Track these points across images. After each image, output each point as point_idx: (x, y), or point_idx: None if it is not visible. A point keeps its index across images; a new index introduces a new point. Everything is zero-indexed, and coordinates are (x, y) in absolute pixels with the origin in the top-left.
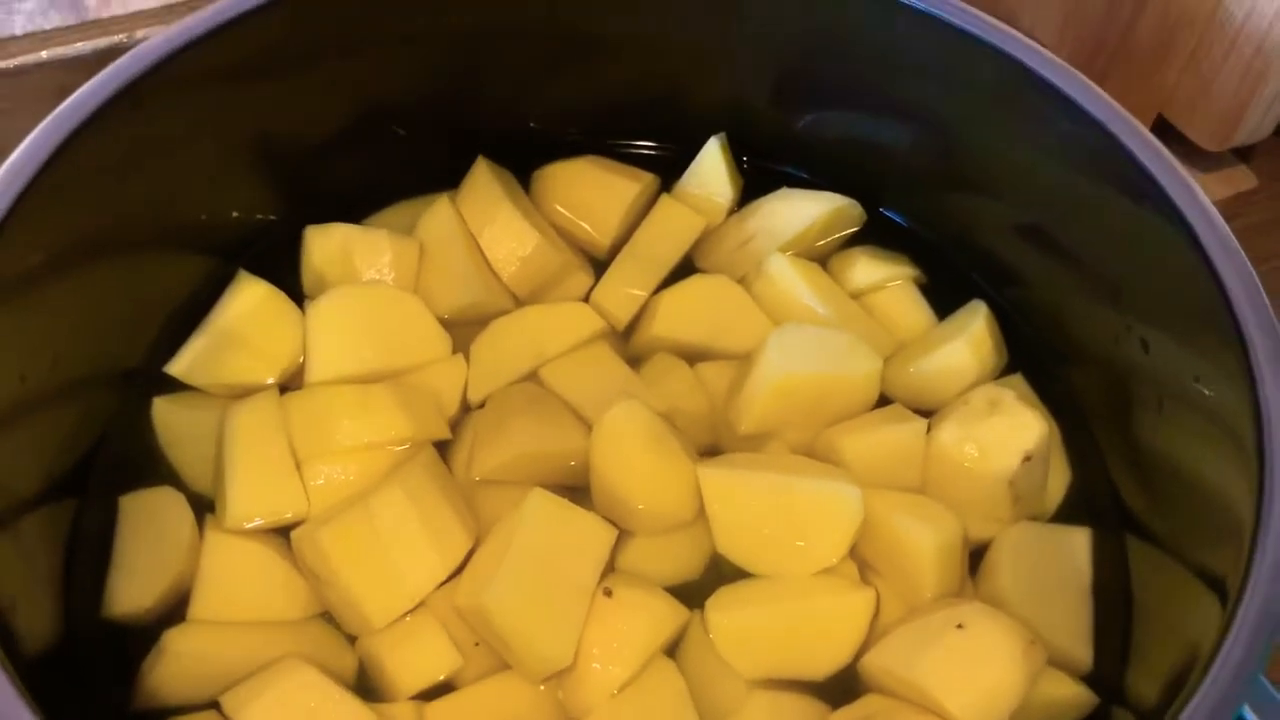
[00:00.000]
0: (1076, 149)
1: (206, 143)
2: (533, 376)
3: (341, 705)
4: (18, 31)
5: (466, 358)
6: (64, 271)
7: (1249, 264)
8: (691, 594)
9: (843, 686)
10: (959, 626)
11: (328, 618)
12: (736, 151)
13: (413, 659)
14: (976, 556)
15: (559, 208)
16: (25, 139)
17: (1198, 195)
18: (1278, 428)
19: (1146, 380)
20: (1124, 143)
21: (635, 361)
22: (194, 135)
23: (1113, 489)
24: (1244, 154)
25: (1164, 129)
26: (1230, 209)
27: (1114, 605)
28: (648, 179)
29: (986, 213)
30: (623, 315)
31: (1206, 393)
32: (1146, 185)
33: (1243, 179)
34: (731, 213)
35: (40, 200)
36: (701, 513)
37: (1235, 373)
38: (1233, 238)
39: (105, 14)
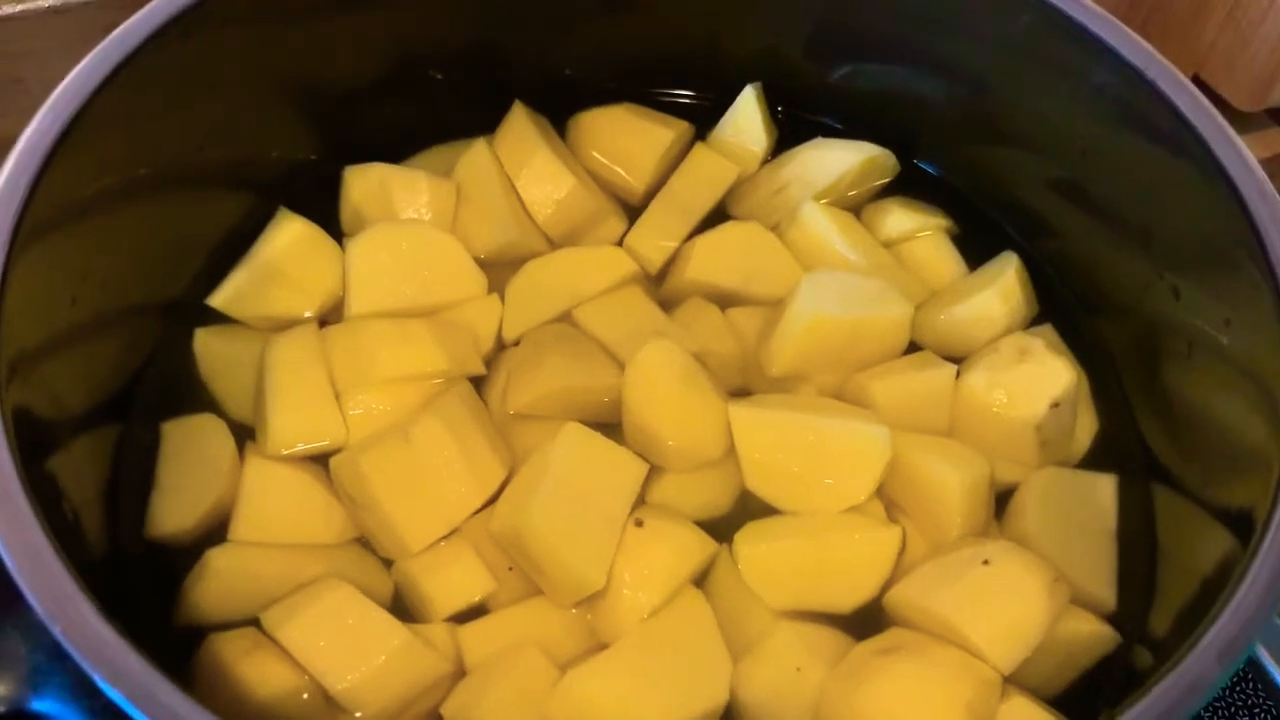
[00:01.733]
0: (1113, 97)
1: (251, 81)
2: (566, 317)
3: (378, 623)
4: None
5: (502, 297)
6: (113, 201)
7: None
8: (720, 529)
9: (868, 620)
10: (985, 562)
11: (364, 543)
12: (771, 101)
13: (447, 582)
14: (1002, 501)
15: (594, 154)
16: (75, 67)
17: (1234, 140)
18: None
19: (1176, 328)
20: (1161, 88)
21: (668, 305)
22: (239, 73)
23: (1139, 437)
24: (1279, 116)
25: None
26: (1265, 170)
27: (1139, 550)
28: (682, 126)
29: (1020, 164)
30: (656, 259)
31: (1236, 336)
32: (1182, 130)
33: (1277, 140)
34: (765, 162)
35: (92, 128)
36: (731, 450)
37: (1267, 313)
38: (1268, 182)
39: None
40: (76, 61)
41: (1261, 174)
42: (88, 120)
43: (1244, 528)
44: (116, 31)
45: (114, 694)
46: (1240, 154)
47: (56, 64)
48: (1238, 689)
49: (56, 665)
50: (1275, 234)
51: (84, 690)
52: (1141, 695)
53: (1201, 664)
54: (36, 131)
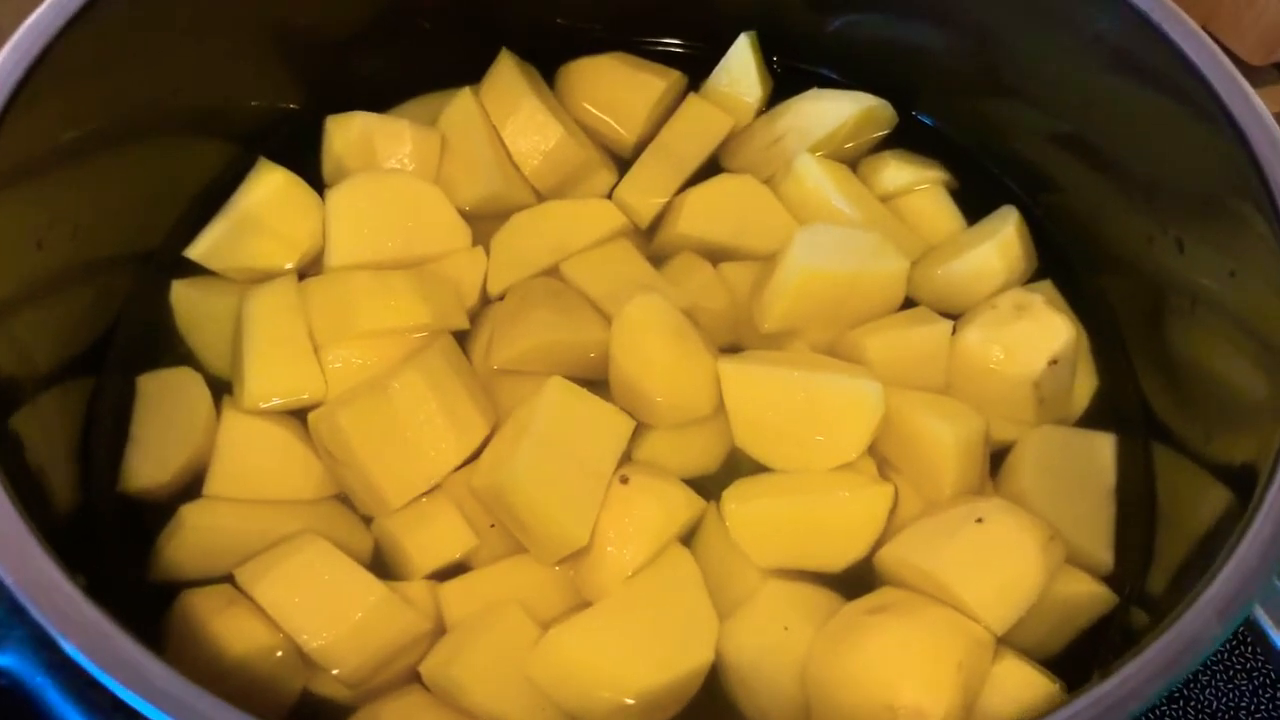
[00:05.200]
0: (1117, 45)
1: (229, 26)
2: (553, 271)
3: (356, 579)
4: None
5: (487, 250)
6: (83, 148)
7: None
8: (708, 487)
9: (859, 579)
10: (978, 521)
11: (343, 499)
12: (767, 51)
13: (428, 539)
14: (999, 460)
15: (584, 104)
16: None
17: (1243, 86)
18: None
19: (1179, 283)
20: (1167, 33)
21: (658, 260)
22: (218, 17)
23: (1140, 396)
24: None
25: None
26: None
27: (1138, 511)
28: (674, 76)
29: (1021, 117)
30: (646, 213)
31: (1240, 290)
32: (1189, 77)
33: None
34: (760, 113)
35: (58, 71)
36: (720, 408)
37: (1273, 265)
38: (1277, 129)
39: None
40: None
41: (1271, 121)
42: (55, 60)
43: (1245, 485)
44: None
45: (67, 644)
46: (1249, 100)
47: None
48: (1236, 652)
49: (15, 619)
50: None
51: (44, 643)
52: (1139, 651)
53: (1201, 620)
54: (1, 70)
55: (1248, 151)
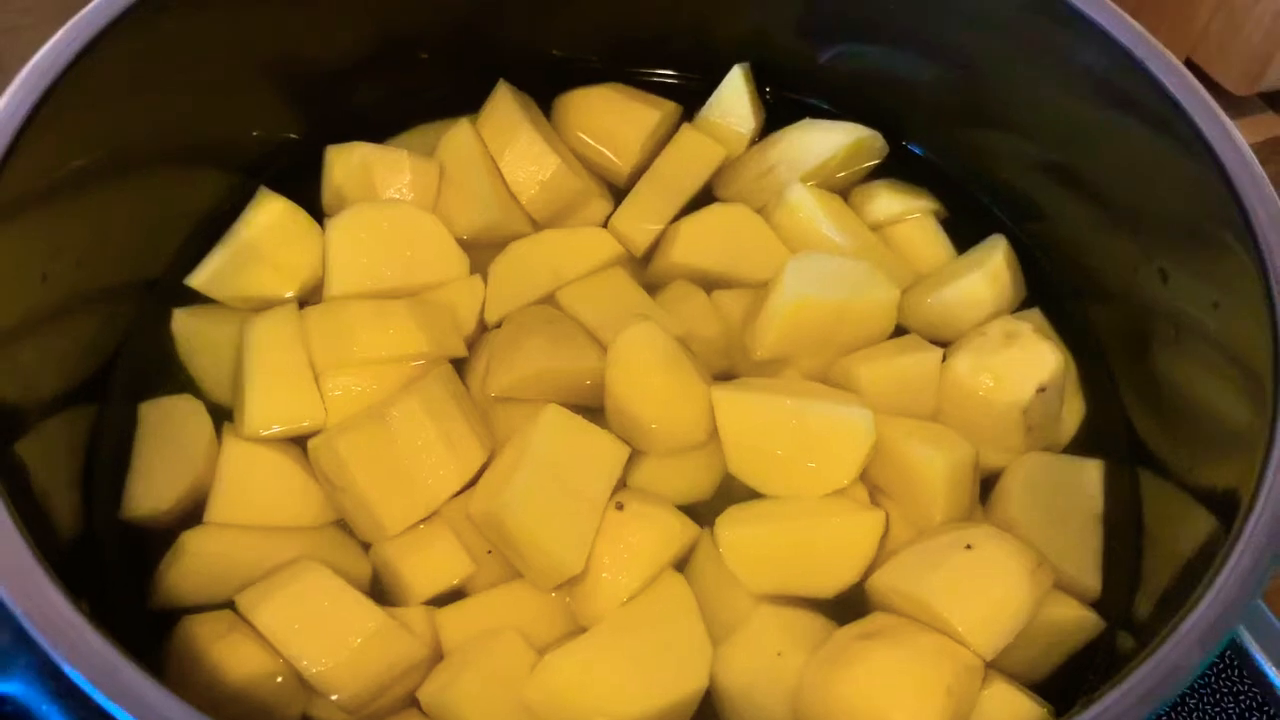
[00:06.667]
0: (1102, 79)
1: (231, 59)
2: (550, 299)
3: (354, 606)
4: None
5: (484, 279)
6: (87, 180)
7: (1273, 189)
8: (702, 514)
9: (850, 605)
10: (968, 547)
11: (342, 526)
12: (760, 82)
13: (426, 565)
14: (988, 486)
15: (580, 134)
16: (50, 39)
17: (1222, 120)
18: None
19: (1164, 311)
20: (1151, 69)
21: (653, 288)
22: (219, 51)
23: (1127, 423)
24: (1273, 101)
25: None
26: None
27: (1125, 536)
28: (669, 107)
29: (1009, 147)
30: (641, 241)
31: (1224, 319)
32: (1171, 111)
33: (1271, 125)
34: (753, 143)
35: (64, 105)
36: (714, 435)
37: (1255, 296)
38: (1257, 163)
39: None
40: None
41: (1250, 154)
42: (60, 97)
43: (1228, 511)
44: (90, 6)
45: (75, 674)
46: (1229, 134)
47: (36, 41)
48: (1223, 675)
49: (23, 647)
50: (1264, 215)
51: (49, 672)
52: (1120, 680)
53: (1182, 649)
54: (6, 109)
55: (1226, 182)
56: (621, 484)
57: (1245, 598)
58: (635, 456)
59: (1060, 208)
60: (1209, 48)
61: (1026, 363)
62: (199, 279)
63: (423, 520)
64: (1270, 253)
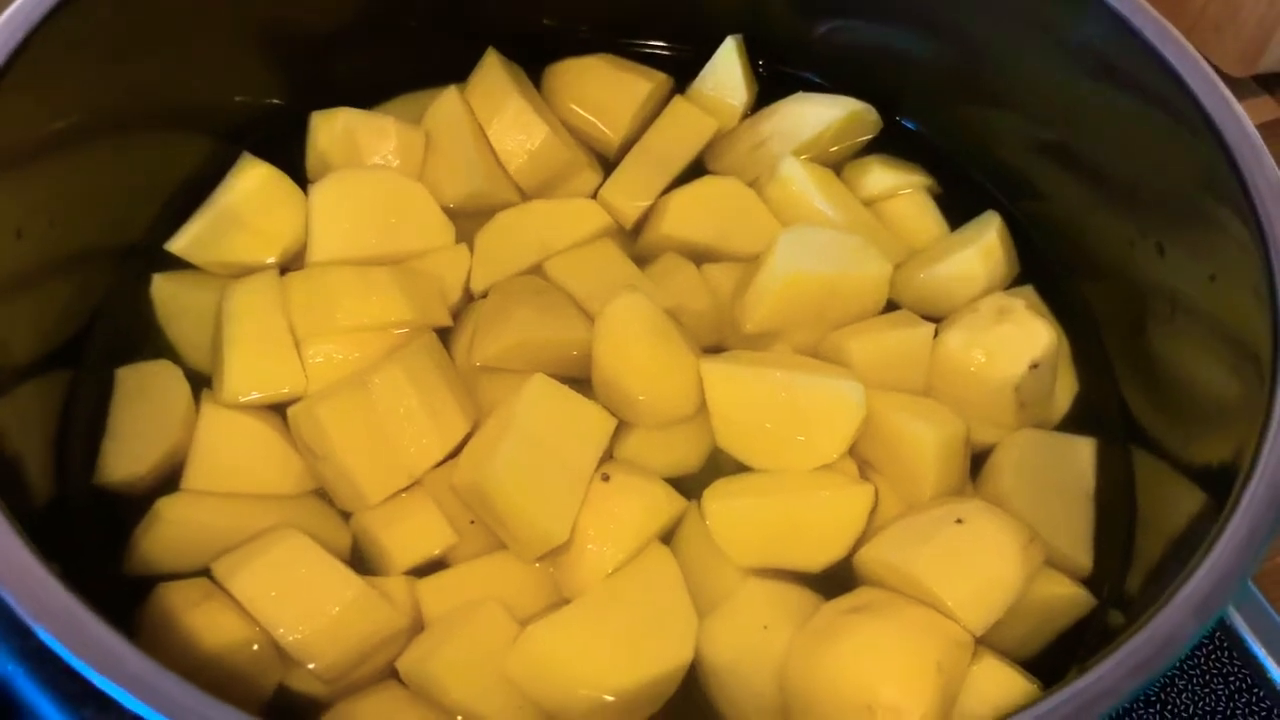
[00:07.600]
0: (1099, 51)
1: (215, 21)
2: (537, 270)
3: (332, 574)
4: None
5: (471, 248)
6: (66, 138)
7: (1272, 160)
8: (690, 487)
9: (838, 579)
10: (958, 521)
11: (322, 495)
12: (753, 55)
13: (407, 535)
14: (979, 462)
15: (570, 104)
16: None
17: (1222, 91)
18: None
19: (1159, 288)
20: (1148, 39)
21: (642, 260)
22: (202, 12)
23: (1120, 401)
24: (1268, 85)
25: None
26: None
27: (1117, 514)
28: (660, 78)
29: (1004, 122)
30: (631, 213)
31: (1219, 294)
32: (1169, 82)
33: (1266, 109)
34: (745, 116)
35: (35, 64)
36: (702, 408)
37: (1252, 270)
38: (1256, 134)
39: None
40: None
41: (1249, 125)
42: (34, 53)
43: (1222, 487)
44: None
45: (41, 630)
46: (1230, 106)
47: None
48: (1213, 657)
49: None
50: (1264, 187)
51: (15, 631)
52: (1115, 648)
53: (1177, 619)
54: None
55: (1228, 157)
56: (608, 456)
57: (1241, 569)
58: (623, 429)
59: (1055, 184)
60: (1205, 29)
61: (1019, 339)
62: (179, 244)
63: (404, 490)
64: (1270, 223)
